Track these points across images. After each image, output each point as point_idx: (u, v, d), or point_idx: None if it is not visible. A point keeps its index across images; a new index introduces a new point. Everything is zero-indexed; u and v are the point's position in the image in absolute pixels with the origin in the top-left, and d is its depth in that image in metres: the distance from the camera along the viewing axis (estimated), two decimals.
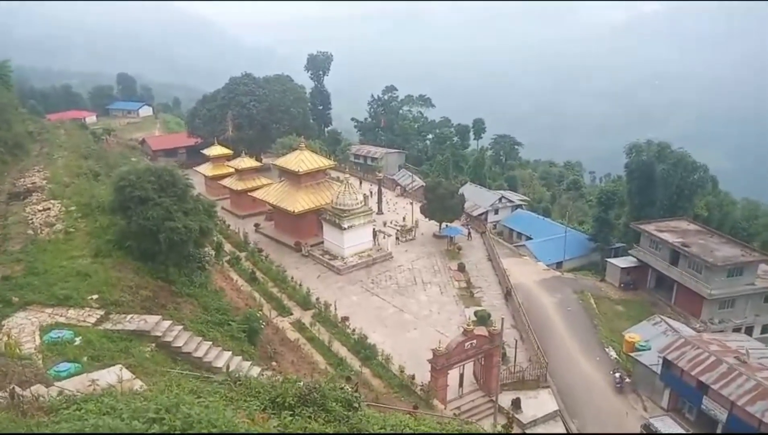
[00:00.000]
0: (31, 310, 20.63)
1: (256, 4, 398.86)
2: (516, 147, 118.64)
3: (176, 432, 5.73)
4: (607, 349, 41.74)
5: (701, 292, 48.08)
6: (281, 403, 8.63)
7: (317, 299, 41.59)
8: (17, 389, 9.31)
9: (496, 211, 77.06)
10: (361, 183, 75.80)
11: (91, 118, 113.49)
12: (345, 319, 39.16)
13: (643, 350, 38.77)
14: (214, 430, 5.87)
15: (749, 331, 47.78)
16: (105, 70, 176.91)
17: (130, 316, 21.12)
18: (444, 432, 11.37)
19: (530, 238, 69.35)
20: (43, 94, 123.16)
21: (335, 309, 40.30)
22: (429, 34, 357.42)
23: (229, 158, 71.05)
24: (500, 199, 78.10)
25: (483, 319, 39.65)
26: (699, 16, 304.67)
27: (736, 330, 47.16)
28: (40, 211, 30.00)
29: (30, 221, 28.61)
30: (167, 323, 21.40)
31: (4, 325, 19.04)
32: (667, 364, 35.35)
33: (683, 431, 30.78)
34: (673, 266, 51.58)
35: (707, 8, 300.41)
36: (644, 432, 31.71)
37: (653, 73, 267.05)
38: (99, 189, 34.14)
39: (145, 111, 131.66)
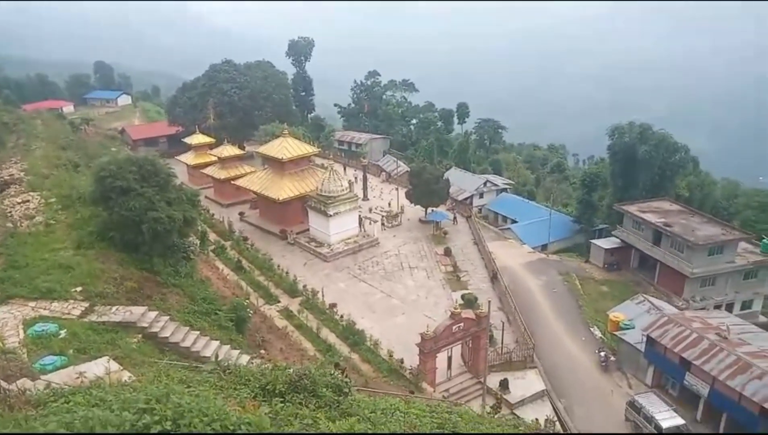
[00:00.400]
0: (13, 304, 20.35)
1: None
2: (500, 131, 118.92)
3: (167, 422, 5.72)
4: (592, 329, 42.39)
5: (683, 271, 48.90)
6: (272, 391, 8.64)
7: (304, 287, 41.60)
8: (2, 383, 9.21)
9: (481, 195, 77.40)
10: (345, 169, 75.61)
11: (68, 108, 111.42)
12: (333, 305, 39.25)
13: (627, 329, 39.41)
14: (205, 419, 5.86)
15: (729, 307, 48.81)
16: (81, 59, 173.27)
17: (116, 307, 20.94)
18: (433, 415, 11.50)
19: (515, 222, 69.83)
20: (17, 84, 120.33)
21: (323, 296, 40.36)
22: (410, 20, 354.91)
23: (211, 147, 70.31)
24: (485, 184, 78.41)
25: (470, 302, 39.98)
26: (682, 2, 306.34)
27: (717, 307, 48.15)
28: (19, 203, 29.48)
29: (9, 214, 28.11)
30: (153, 314, 21.26)
31: None
32: (650, 342, 36.03)
33: (666, 407, 31.47)
34: (656, 246, 52.34)
35: None
36: (629, 408, 32.35)
37: (636, 58, 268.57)
38: (79, 180, 33.64)
39: (124, 100, 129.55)
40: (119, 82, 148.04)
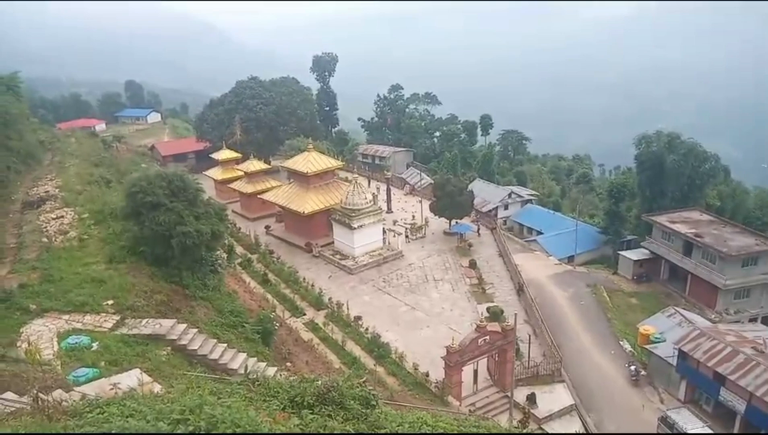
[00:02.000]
0: (48, 316, 20.88)
1: (257, 9, 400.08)
2: (524, 142, 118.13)
3: (201, 432, 5.80)
4: (621, 342, 41.52)
5: (715, 283, 47.64)
6: (300, 402, 8.69)
7: (329, 299, 41.71)
8: (41, 395, 9.46)
9: (506, 207, 76.84)
10: (369, 182, 75.85)
11: (100, 126, 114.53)
12: (357, 318, 39.24)
13: (658, 342, 38.51)
14: (238, 430, 5.93)
15: (765, 320, 47.30)
16: (112, 78, 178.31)
17: (146, 320, 21.31)
18: (461, 429, 11.39)
19: (541, 233, 69.09)
20: (52, 104, 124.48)
21: (347, 309, 40.39)
22: (429, 34, 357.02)
23: (238, 162, 71.28)
24: (510, 195, 77.85)
25: (496, 315, 39.56)
26: (699, 9, 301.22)
27: (752, 320, 46.72)
28: (53, 219, 30.36)
29: (44, 229, 28.95)
30: (182, 326, 21.56)
31: (22, 332, 19.28)
32: (682, 355, 35.11)
33: (701, 423, 30.53)
34: (687, 257, 51.17)
35: (707, 3, 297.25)
36: (662, 425, 31.48)
37: (655, 66, 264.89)
38: (111, 196, 34.48)
39: (154, 117, 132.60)
40: (149, 100, 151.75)
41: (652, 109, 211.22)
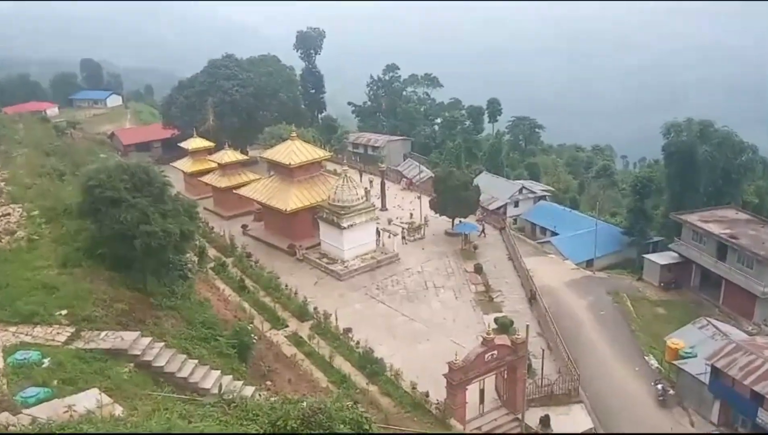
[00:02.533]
0: None
1: None
2: (537, 130, 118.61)
3: None
4: (647, 357, 41.70)
5: (753, 290, 47.89)
6: (282, 427, 8.66)
7: (315, 309, 41.65)
8: None
9: (516, 204, 77.03)
10: (361, 176, 75.79)
11: (52, 110, 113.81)
12: (347, 330, 39.22)
13: (689, 358, 38.69)
14: None
15: None
16: (66, 57, 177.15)
17: (105, 332, 21.19)
18: None
19: (556, 234, 69.29)
20: None
21: (336, 319, 40.35)
22: (431, 8, 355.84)
23: (210, 151, 71.08)
24: (521, 190, 78.04)
25: (505, 326, 39.62)
26: None
27: None
28: None
29: None
30: (147, 340, 21.48)
31: None
32: (716, 372, 35.28)
33: None
34: (721, 261, 51.42)
35: None
36: None
37: (682, 48, 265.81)
38: (65, 190, 34.23)
39: (114, 100, 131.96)
40: (108, 81, 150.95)
41: (682, 96, 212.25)
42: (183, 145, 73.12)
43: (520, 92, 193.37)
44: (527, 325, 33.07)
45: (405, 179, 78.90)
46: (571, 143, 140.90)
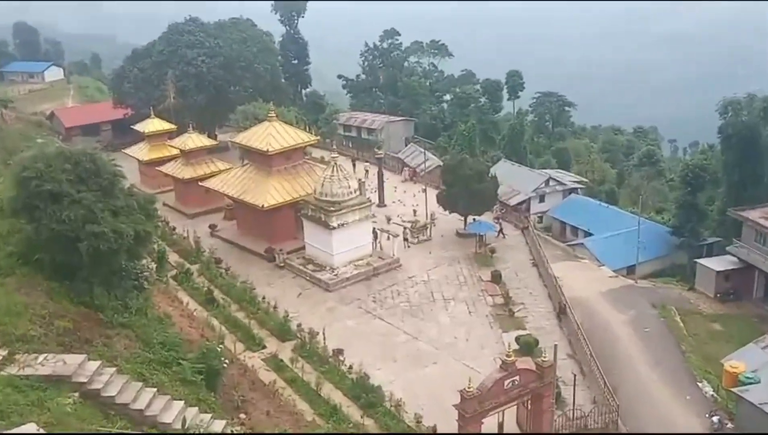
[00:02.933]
0: None
1: None
2: (566, 109, 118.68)
3: None
4: (699, 384, 41.69)
5: None
6: None
7: (299, 326, 41.61)
8: None
9: (542, 198, 76.95)
10: (354, 164, 75.80)
11: None
12: (338, 352, 39.20)
13: (750, 384, 38.64)
14: None
15: None
16: None
17: (44, 356, 21.14)
18: None
19: (590, 234, 69.24)
20: None
21: (324, 339, 40.29)
22: None
23: (171, 135, 71.06)
24: (547, 182, 77.98)
25: (528, 346, 39.65)
26: None
27: None
28: None
29: None
30: (94, 364, 21.42)
31: None
32: None
33: None
34: None
35: None
36: None
37: (741, 9, 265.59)
38: None
39: (54, 73, 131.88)
40: (47, 49, 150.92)
41: (742, 68, 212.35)
42: (138, 127, 73.08)
43: (545, 63, 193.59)
44: (555, 345, 33.11)
45: (407, 168, 78.88)
46: (608, 124, 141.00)
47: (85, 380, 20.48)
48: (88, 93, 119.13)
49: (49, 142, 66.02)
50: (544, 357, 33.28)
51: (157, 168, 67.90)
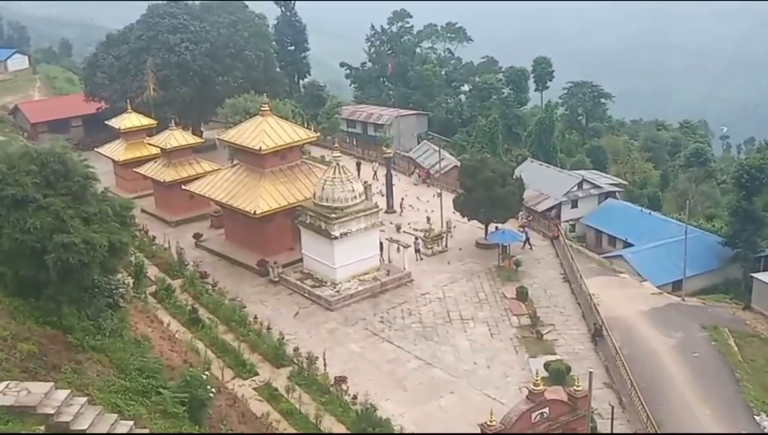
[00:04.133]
0: None
1: None
2: (602, 101, 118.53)
3: None
4: (757, 417, 41.51)
5: None
6: None
7: (296, 350, 41.55)
8: None
9: (575, 204, 76.82)
10: (359, 166, 75.84)
11: None
12: (340, 380, 39.14)
13: None
14: None
15: None
16: None
17: (5, 383, 21.21)
18: None
19: (630, 245, 69.08)
20: None
21: (325, 365, 40.31)
22: None
23: (150, 132, 71.25)
24: (580, 185, 77.86)
25: (559, 374, 39.55)
26: None
27: None
28: None
29: None
30: (63, 394, 21.45)
31: None
32: None
33: None
34: None
35: None
36: None
37: None
38: None
39: (18, 62, 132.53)
40: (10, 34, 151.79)
41: None
42: (113, 123, 73.23)
43: (577, 48, 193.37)
44: (590, 373, 32.97)
45: (419, 170, 78.88)
46: (650, 118, 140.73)
47: (52, 411, 20.50)
48: (57, 84, 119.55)
49: (12, 141, 66.31)
50: (578, 386, 33.19)
51: (134, 169, 67.93)
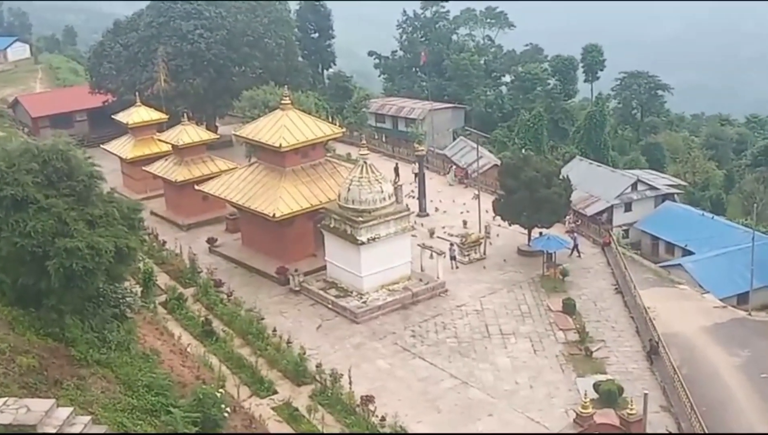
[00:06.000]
0: None
1: None
2: (659, 93, 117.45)
3: None
4: None
5: None
6: None
7: (318, 366, 41.70)
8: None
9: (628, 207, 76.25)
10: (397, 169, 75.76)
11: None
12: (367, 399, 39.16)
13: None
14: None
15: None
16: None
17: (3, 400, 21.44)
18: None
19: (690, 253, 68.44)
20: None
21: (350, 383, 40.34)
22: None
23: (161, 127, 71.75)
24: (635, 186, 77.29)
25: (610, 395, 39.30)
26: None
27: None
28: None
29: None
30: (65, 412, 21.61)
31: None
32: None
33: None
34: None
35: None
36: None
37: None
38: None
39: (18, 51, 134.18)
40: (10, 22, 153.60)
41: None
42: (120, 117, 73.83)
43: (631, 35, 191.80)
44: (645, 394, 32.76)
45: (456, 169, 78.75)
46: (713, 113, 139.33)
47: (54, 431, 20.69)
48: (60, 75, 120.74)
49: (12, 136, 67.16)
50: (631, 409, 32.96)
51: (143, 168, 68.48)
